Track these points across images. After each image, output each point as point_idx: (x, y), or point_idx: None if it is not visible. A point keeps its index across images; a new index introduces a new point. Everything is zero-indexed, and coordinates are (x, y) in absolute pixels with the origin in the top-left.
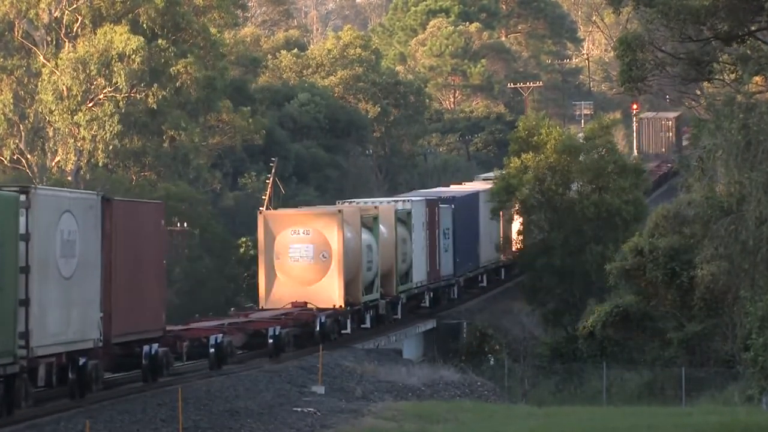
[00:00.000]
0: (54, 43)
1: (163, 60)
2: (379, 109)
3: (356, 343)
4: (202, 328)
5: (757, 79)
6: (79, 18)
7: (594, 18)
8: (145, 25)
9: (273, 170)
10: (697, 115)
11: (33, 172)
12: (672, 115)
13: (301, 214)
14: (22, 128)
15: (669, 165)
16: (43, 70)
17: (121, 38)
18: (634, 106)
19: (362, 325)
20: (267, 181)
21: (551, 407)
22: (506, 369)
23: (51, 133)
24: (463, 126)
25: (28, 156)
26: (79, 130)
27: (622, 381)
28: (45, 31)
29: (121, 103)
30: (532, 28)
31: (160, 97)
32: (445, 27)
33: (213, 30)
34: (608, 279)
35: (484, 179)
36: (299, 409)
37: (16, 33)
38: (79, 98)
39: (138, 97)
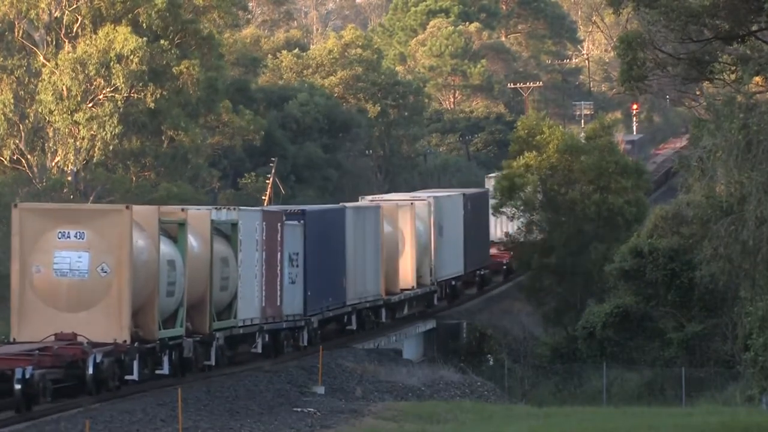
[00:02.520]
0: (54, 43)
1: (165, 61)
2: (379, 109)
3: (356, 343)
4: None
5: (757, 79)
6: (79, 18)
7: (594, 18)
8: (145, 26)
9: (273, 170)
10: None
11: (33, 172)
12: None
13: (73, 210)
14: (22, 128)
15: None
16: (43, 70)
17: (121, 38)
18: (634, 106)
19: (158, 370)
20: (267, 181)
21: (551, 407)
22: (506, 369)
23: (51, 133)
24: (463, 126)
25: (28, 156)
26: (78, 130)
27: (622, 381)
28: (45, 31)
29: (120, 103)
30: (532, 28)
31: (158, 96)
32: (445, 27)
33: (213, 30)
34: (608, 279)
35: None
36: (299, 409)
37: (16, 33)
38: (79, 98)
39: (137, 97)
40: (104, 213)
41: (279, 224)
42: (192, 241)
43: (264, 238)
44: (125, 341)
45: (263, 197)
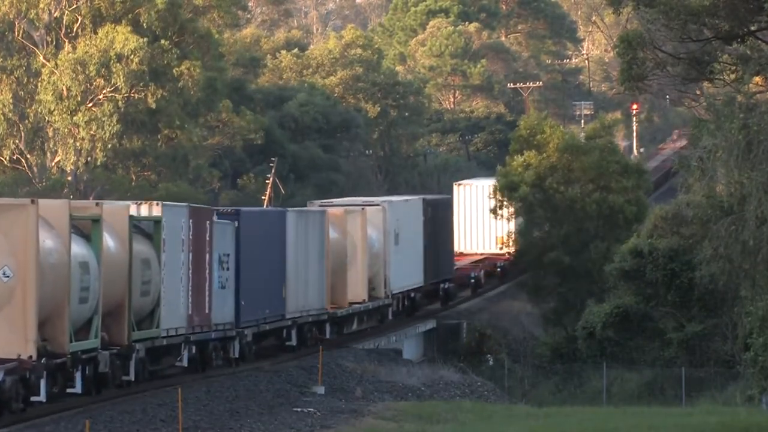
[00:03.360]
0: (54, 43)
1: (165, 61)
2: (379, 109)
3: (356, 343)
4: None
5: (757, 79)
6: (79, 18)
7: (594, 18)
8: (145, 26)
9: (273, 170)
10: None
11: (33, 172)
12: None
13: None
14: (21, 128)
15: None
16: (42, 70)
17: (121, 38)
18: (634, 106)
19: (69, 389)
20: (267, 181)
21: (551, 407)
22: (506, 369)
23: (51, 133)
24: (463, 126)
25: (28, 156)
26: (78, 130)
27: (622, 381)
28: (45, 31)
29: (121, 103)
30: (532, 28)
31: (159, 96)
32: (445, 27)
33: (213, 30)
34: (608, 279)
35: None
36: (299, 409)
37: (16, 33)
38: (79, 98)
39: (137, 97)
40: (5, 208)
41: (208, 222)
42: (108, 240)
43: (191, 237)
44: (31, 357)
45: (263, 197)
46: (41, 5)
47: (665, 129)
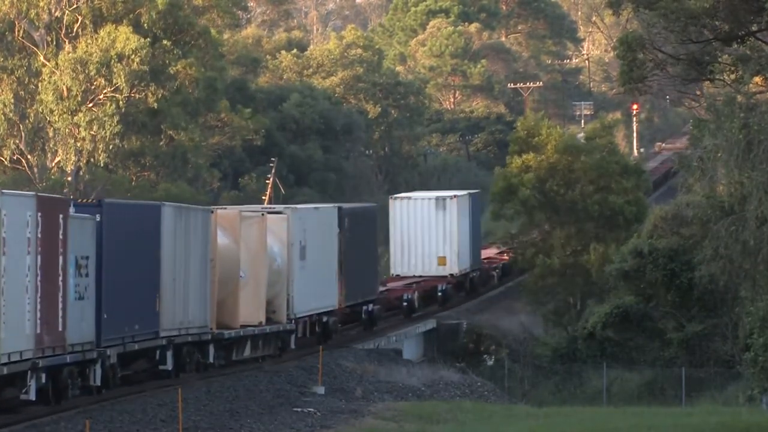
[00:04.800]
0: (54, 43)
1: (166, 61)
2: (379, 109)
3: (356, 343)
4: None
5: (757, 79)
6: (80, 18)
7: (594, 18)
8: (146, 26)
9: (273, 170)
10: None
11: (33, 172)
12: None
13: None
14: (22, 128)
15: None
16: (43, 70)
17: (122, 38)
18: (634, 107)
19: None
20: (267, 181)
21: (551, 407)
22: (506, 369)
23: (51, 134)
24: (463, 126)
25: (28, 156)
26: (79, 131)
27: (622, 381)
28: (45, 31)
29: (121, 102)
30: (532, 28)
31: (160, 97)
32: (445, 27)
33: (213, 30)
34: (608, 279)
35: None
36: (299, 409)
37: (16, 33)
38: (79, 98)
39: (138, 97)
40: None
41: (62, 217)
42: None
43: (40, 235)
44: None
45: (263, 197)
46: (41, 5)
47: (665, 129)
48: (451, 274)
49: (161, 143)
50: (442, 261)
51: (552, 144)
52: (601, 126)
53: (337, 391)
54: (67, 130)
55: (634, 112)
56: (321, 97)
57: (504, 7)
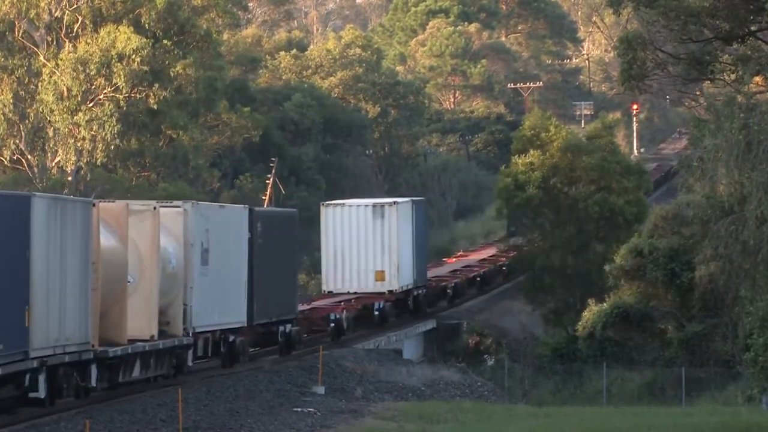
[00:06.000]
0: (54, 43)
1: (167, 61)
2: (379, 109)
3: (356, 343)
4: None
5: (757, 79)
6: (80, 18)
7: (594, 18)
8: (146, 26)
9: (273, 170)
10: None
11: (33, 172)
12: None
13: None
14: (22, 128)
15: None
16: (43, 70)
17: (123, 38)
18: (634, 106)
19: None
20: (267, 181)
21: (551, 407)
22: (506, 369)
23: (51, 133)
24: (463, 126)
25: (28, 156)
26: (79, 130)
27: (622, 381)
28: (45, 31)
29: (121, 102)
30: (532, 28)
31: (160, 97)
32: (445, 27)
33: (211, 29)
34: (608, 279)
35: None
36: (299, 409)
37: (16, 33)
38: (80, 98)
39: (138, 97)
40: None
41: None
42: None
43: None
44: None
45: (263, 197)
46: (42, 5)
47: (665, 129)
48: (390, 291)
49: (161, 143)
50: (380, 276)
51: (557, 143)
52: (602, 126)
53: (337, 391)
54: (67, 130)
55: (634, 112)
56: (324, 97)
57: (504, 7)
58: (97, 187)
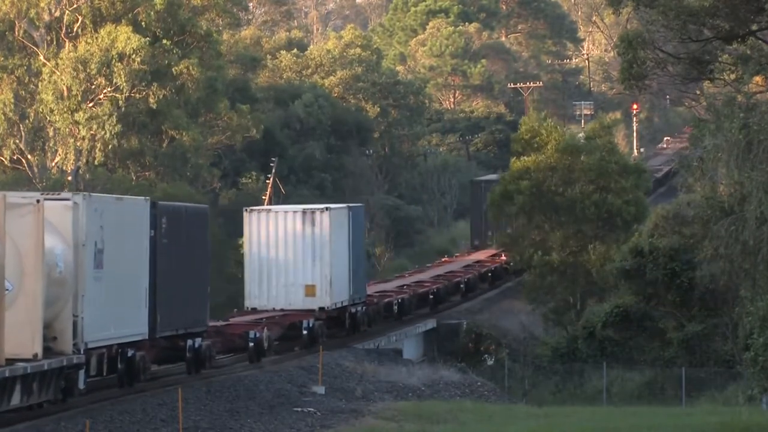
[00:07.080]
0: (54, 42)
1: (167, 61)
2: (379, 109)
3: (356, 343)
4: None
5: (757, 78)
6: (80, 18)
7: (594, 18)
8: (145, 25)
9: (273, 170)
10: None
11: (33, 172)
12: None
13: None
14: (22, 128)
15: None
16: (43, 69)
17: (123, 37)
18: (634, 106)
19: None
20: (267, 181)
21: (551, 407)
22: (506, 369)
23: (51, 133)
24: (463, 126)
25: (28, 156)
26: (79, 130)
27: (622, 381)
28: (45, 31)
29: (121, 102)
30: (532, 28)
31: (160, 97)
32: (445, 27)
33: (211, 29)
34: (608, 279)
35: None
36: (299, 409)
37: (16, 33)
38: (79, 98)
39: (138, 96)
40: None
41: None
42: None
43: None
44: None
45: (263, 197)
46: (41, 5)
47: (665, 129)
48: (321, 308)
49: (163, 143)
50: (310, 291)
51: (552, 144)
52: (601, 126)
53: (337, 391)
54: (67, 129)
55: (634, 112)
56: (329, 97)
57: (504, 7)
58: (97, 186)
